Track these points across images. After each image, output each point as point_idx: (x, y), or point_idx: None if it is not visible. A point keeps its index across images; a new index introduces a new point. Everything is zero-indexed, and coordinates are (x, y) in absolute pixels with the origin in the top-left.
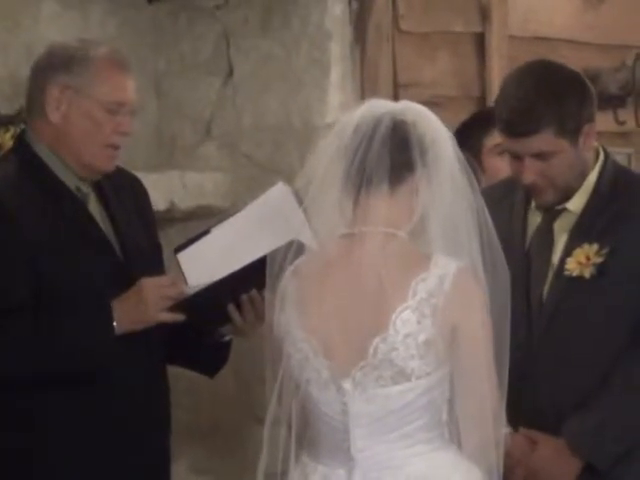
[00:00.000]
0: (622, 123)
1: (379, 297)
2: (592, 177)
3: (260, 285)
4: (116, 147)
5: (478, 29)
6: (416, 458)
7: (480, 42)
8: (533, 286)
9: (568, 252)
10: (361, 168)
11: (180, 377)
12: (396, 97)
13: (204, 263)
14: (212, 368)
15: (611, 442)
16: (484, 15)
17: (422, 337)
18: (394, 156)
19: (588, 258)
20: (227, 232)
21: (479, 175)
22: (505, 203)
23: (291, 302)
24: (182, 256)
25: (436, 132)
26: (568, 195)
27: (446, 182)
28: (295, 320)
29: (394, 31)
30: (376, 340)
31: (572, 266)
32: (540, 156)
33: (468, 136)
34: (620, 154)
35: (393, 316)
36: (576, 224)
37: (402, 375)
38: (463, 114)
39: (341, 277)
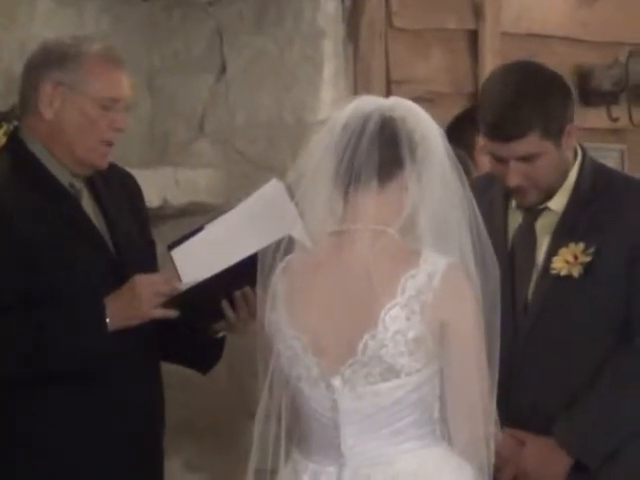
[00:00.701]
0: (615, 120)
1: (368, 294)
2: (572, 176)
3: (253, 281)
4: (110, 143)
5: (471, 26)
6: (407, 455)
7: (473, 39)
8: (517, 286)
9: (553, 251)
10: (350, 165)
11: (173, 374)
12: (389, 94)
13: (198, 260)
14: (206, 365)
15: (601, 441)
16: (477, 12)
17: (411, 334)
18: (383, 153)
19: (576, 257)
20: (221, 229)
21: (472, 171)
22: (485, 198)
23: (281, 300)
24: (176, 253)
25: (426, 128)
26: (550, 194)
27: (436, 178)
28: (285, 318)
29: (387, 28)
30: (365, 337)
31: (559, 265)
32: (525, 159)
33: (461, 133)
34: (613, 151)
35: (382, 313)
36: (559, 223)
37: (391, 372)
38: (456, 111)
39: (331, 275)
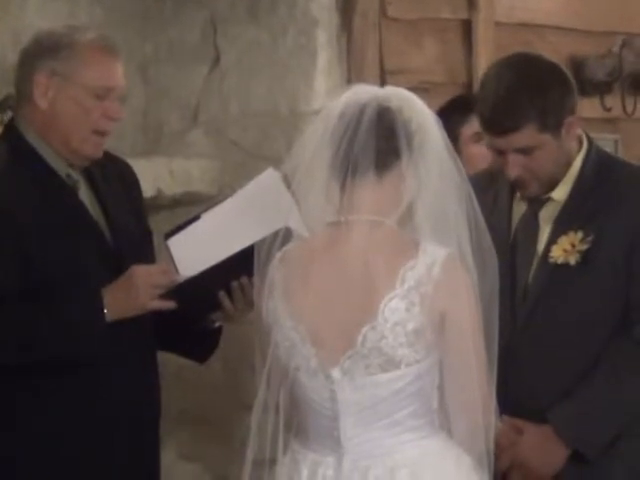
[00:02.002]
0: (609, 109)
1: (367, 285)
2: (576, 166)
3: (250, 271)
4: (104, 133)
5: (465, 16)
6: (406, 445)
7: (467, 29)
8: (518, 275)
9: (553, 240)
10: (347, 156)
11: (168, 364)
12: (383, 84)
13: (194, 249)
14: (203, 354)
15: (598, 430)
16: (471, 2)
17: (411, 325)
18: (380, 143)
19: (573, 245)
20: (217, 218)
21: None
22: (490, 192)
23: (279, 290)
24: (172, 242)
25: (422, 118)
26: (553, 185)
27: (433, 167)
28: (283, 308)
29: (381, 18)
30: (365, 328)
31: (557, 253)
32: (523, 151)
33: (446, 123)
34: (607, 140)
35: (382, 304)
36: (560, 212)
37: (391, 363)
38: None
39: (329, 265)
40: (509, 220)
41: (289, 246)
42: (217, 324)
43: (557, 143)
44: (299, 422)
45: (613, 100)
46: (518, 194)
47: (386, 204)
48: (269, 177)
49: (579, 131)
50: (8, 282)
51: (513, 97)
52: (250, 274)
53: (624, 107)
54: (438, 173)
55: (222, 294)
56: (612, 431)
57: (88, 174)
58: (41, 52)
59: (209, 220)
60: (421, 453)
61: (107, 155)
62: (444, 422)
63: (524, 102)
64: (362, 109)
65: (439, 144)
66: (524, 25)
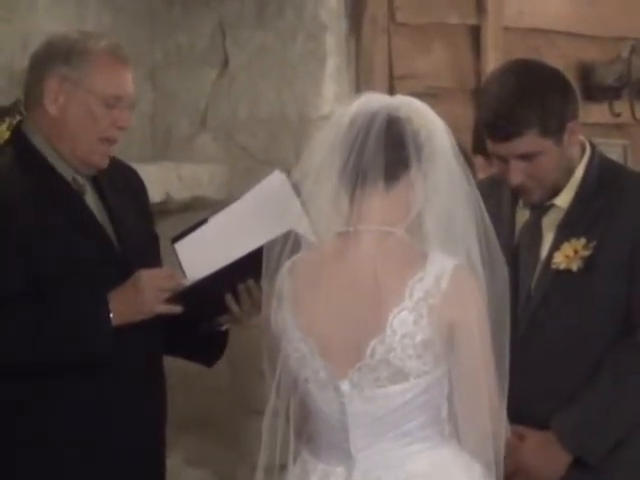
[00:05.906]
0: (618, 115)
1: (375, 297)
2: (579, 172)
3: (257, 275)
4: (112, 141)
5: (473, 21)
6: (416, 456)
7: (475, 34)
8: (521, 282)
9: (556, 246)
10: (356, 166)
11: (173, 369)
12: (391, 89)
13: (202, 253)
14: (210, 358)
15: (600, 436)
16: (479, 7)
17: (419, 337)
18: (389, 154)
19: (576, 251)
20: (225, 221)
21: (474, 170)
22: (492, 200)
23: (287, 301)
24: (179, 246)
25: (432, 127)
26: (556, 192)
27: (442, 178)
28: (291, 320)
29: (389, 23)
30: (373, 341)
31: (560, 259)
32: (525, 157)
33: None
34: (616, 146)
35: (390, 317)
36: (563, 219)
37: (400, 375)
38: (458, 106)
39: (337, 277)
40: (512, 227)
41: (298, 256)
42: (224, 327)
43: (559, 149)
44: (309, 432)
45: (622, 106)
46: (521, 201)
47: (395, 214)
48: (276, 179)
49: (581, 137)
50: (11, 284)
51: (514, 103)
52: (257, 277)
53: (633, 112)
54: (447, 182)
55: (229, 297)
56: (615, 437)
57: (94, 179)
58: (53, 57)
59: (216, 224)
60: (431, 463)
61: (113, 160)
62: (453, 431)
63: (525, 107)
64: (372, 118)
65: (448, 154)
66: (533, 30)
